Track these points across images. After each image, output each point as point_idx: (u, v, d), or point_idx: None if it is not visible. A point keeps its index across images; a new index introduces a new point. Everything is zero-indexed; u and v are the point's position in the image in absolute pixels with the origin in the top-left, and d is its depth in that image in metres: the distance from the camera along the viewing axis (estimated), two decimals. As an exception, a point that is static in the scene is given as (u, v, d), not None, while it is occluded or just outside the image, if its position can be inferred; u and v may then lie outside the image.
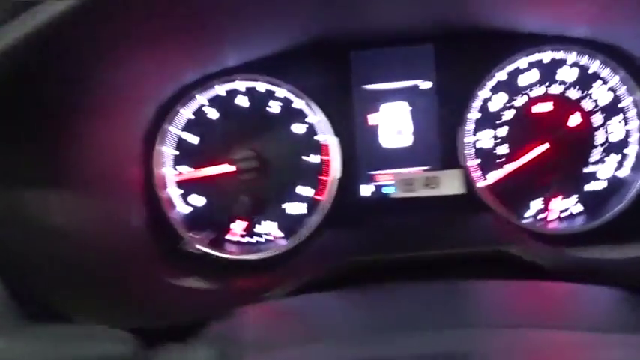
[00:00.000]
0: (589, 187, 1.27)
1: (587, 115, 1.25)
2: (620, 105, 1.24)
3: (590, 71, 1.25)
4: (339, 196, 1.28)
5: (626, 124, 1.25)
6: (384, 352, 0.54)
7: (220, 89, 1.28)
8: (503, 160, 1.27)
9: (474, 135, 1.27)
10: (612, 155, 1.26)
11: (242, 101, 1.29)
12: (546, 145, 1.24)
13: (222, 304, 0.74)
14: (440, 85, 1.27)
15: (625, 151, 1.25)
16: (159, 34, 0.90)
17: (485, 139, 1.27)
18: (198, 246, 1.26)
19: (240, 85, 1.28)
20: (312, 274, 1.00)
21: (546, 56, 1.25)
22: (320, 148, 1.29)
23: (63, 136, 0.90)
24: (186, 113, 1.28)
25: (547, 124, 1.25)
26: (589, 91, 1.25)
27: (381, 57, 1.27)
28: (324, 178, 1.29)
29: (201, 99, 1.28)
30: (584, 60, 1.24)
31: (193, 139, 1.29)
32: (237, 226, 1.30)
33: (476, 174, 1.27)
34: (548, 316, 0.69)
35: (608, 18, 1.08)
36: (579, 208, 1.28)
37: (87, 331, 0.62)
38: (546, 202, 1.27)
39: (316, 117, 1.28)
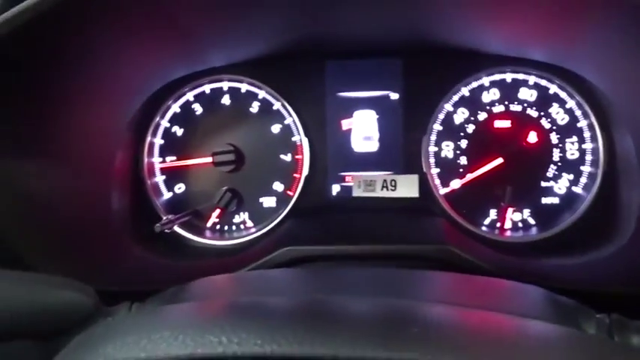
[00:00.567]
0: (546, 200, 1.34)
1: (545, 133, 1.33)
2: (578, 125, 1.31)
3: (550, 92, 1.32)
4: (308, 191, 1.38)
5: (581, 144, 1.32)
6: (315, 308, 0.54)
7: (207, 87, 1.41)
8: (462, 170, 1.36)
9: (436, 145, 1.36)
10: (567, 173, 1.32)
11: (225, 100, 1.41)
12: (500, 160, 1.32)
13: (183, 280, 0.78)
14: (407, 96, 1.37)
15: (580, 168, 1.32)
16: (139, 30, 1.01)
17: (447, 149, 1.36)
18: (174, 228, 1.37)
19: (225, 85, 1.41)
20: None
21: (508, 76, 1.34)
22: (295, 148, 1.40)
23: (48, 113, 1.02)
24: (174, 107, 1.41)
25: (505, 139, 1.33)
26: (548, 111, 1.33)
27: (354, 67, 1.39)
28: (297, 175, 1.40)
29: (190, 95, 1.41)
30: (543, 82, 1.32)
31: (178, 131, 1.42)
32: (213, 214, 1.41)
33: (435, 181, 1.35)
34: (471, 297, 0.75)
35: (560, 42, 1.16)
36: (534, 219, 1.34)
37: (55, 280, 0.66)
38: (502, 213, 1.34)
39: (292, 119, 1.39)
